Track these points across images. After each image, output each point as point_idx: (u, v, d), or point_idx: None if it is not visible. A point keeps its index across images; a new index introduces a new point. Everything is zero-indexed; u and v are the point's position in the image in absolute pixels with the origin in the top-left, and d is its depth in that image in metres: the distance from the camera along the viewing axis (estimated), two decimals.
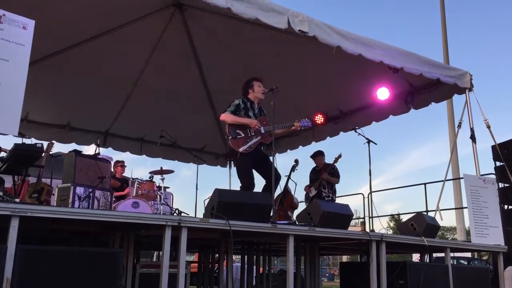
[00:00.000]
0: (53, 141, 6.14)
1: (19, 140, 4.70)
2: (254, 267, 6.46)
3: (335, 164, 7.83)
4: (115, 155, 13.44)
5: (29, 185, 5.47)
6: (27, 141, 4.72)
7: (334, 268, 36.60)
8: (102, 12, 6.40)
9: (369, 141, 6.54)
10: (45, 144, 5.61)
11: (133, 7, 6.50)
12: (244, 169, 5.17)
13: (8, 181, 4.68)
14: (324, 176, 7.68)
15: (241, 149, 5.11)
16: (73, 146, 8.83)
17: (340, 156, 7.84)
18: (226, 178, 11.06)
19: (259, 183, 5.28)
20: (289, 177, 7.37)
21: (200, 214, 6.91)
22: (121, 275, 3.38)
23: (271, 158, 4.97)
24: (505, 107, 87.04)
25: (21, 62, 3.40)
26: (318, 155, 8.01)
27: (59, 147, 8.30)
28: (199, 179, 7.83)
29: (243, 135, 5.16)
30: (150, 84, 8.24)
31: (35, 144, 4.17)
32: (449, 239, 30.39)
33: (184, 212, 7.40)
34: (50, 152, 5.93)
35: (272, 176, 4.68)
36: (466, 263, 11.68)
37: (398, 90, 7.28)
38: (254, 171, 5.22)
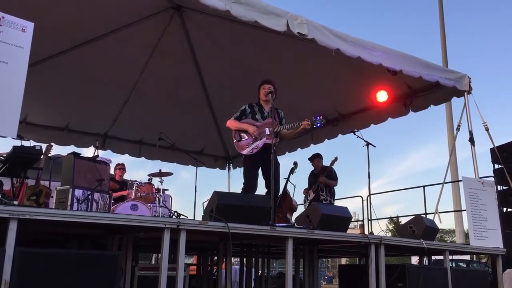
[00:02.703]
0: (52, 144, 6.13)
1: (18, 143, 4.69)
2: (253, 269, 6.45)
3: (332, 167, 7.84)
4: (114, 158, 13.43)
5: (28, 187, 5.47)
6: (26, 143, 4.73)
7: (333, 270, 36.62)
8: (101, 15, 6.40)
9: (368, 144, 6.53)
10: (44, 146, 5.61)
11: (132, 9, 6.51)
12: (246, 170, 5.27)
13: (7, 183, 4.68)
14: (322, 179, 7.70)
15: (245, 151, 5.20)
16: (72, 148, 8.85)
17: (336, 159, 7.86)
18: (225, 180, 11.08)
19: (262, 184, 5.33)
20: (288, 179, 7.36)
21: (199, 217, 6.93)
22: (120, 278, 3.37)
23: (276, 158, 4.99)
24: (504, 110, 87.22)
25: (20, 64, 3.39)
26: (315, 158, 8.02)
27: (58, 150, 8.29)
28: (198, 182, 7.83)
29: (247, 137, 5.27)
30: (149, 87, 8.24)
31: (34, 146, 4.17)
32: (448, 241, 30.38)
33: (183, 215, 7.41)
34: (49, 155, 5.92)
35: (270, 185, 4.70)
36: (465, 265, 11.67)
37: (397, 93, 7.28)
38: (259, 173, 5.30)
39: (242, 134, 5.29)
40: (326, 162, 8.04)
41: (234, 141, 5.33)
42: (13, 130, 3.32)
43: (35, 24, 3.51)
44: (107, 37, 6.93)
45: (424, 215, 7.48)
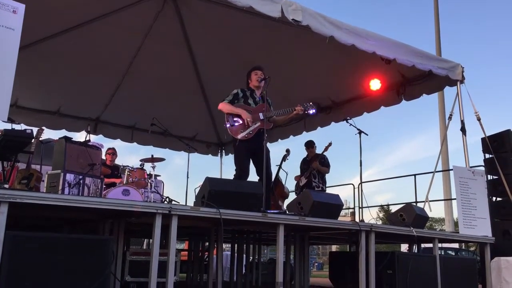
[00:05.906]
0: (43, 127, 6.07)
1: (8, 126, 4.66)
2: (244, 255, 6.49)
3: (324, 153, 7.83)
4: (106, 143, 13.39)
5: (19, 171, 5.43)
6: (17, 127, 4.69)
7: (323, 257, 36.92)
8: None
9: (360, 132, 6.54)
10: (35, 130, 5.56)
11: None
12: (239, 156, 5.21)
13: None
14: (315, 165, 7.66)
15: (239, 136, 5.12)
16: (63, 132, 8.79)
17: (330, 144, 7.83)
18: (217, 166, 11.09)
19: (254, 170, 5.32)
20: (280, 166, 7.38)
21: (190, 203, 6.92)
22: (111, 262, 3.37)
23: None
24: (495, 100, 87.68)
25: (11, 47, 3.35)
26: (314, 145, 7.99)
27: (49, 134, 8.25)
28: (190, 168, 7.82)
29: (241, 122, 5.18)
30: (142, 72, 8.18)
31: (25, 130, 4.14)
32: (438, 230, 30.69)
33: (174, 200, 7.40)
34: (40, 138, 5.87)
35: (262, 173, 4.70)
36: (453, 253, 11.80)
37: (390, 81, 7.29)
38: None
39: (235, 119, 5.20)
40: (318, 149, 8.04)
41: (227, 125, 5.23)
42: (3, 113, 3.28)
43: (26, 6, 3.46)
44: (100, 21, 6.85)
45: (414, 204, 7.54)
